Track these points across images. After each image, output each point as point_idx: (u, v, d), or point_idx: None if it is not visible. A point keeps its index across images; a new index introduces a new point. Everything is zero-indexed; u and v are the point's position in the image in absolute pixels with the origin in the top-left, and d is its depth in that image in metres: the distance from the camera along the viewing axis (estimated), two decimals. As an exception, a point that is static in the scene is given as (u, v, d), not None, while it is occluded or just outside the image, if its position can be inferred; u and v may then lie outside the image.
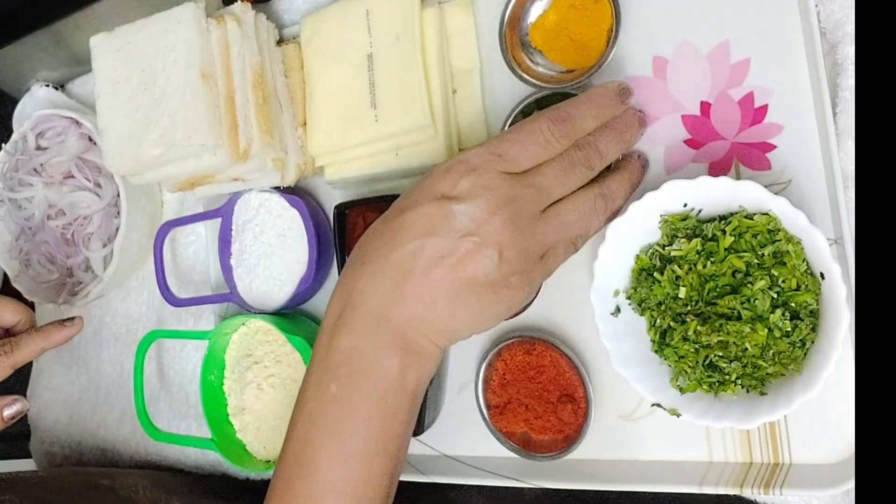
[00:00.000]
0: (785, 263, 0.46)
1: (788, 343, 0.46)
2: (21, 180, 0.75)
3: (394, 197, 0.60)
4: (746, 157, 0.54)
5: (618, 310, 0.52)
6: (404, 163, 0.60)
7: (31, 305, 0.86)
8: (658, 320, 0.50)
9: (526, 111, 0.57)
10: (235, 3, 0.62)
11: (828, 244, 0.44)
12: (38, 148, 0.76)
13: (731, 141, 0.54)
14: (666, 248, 0.49)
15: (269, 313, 0.67)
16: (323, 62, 0.62)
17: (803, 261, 0.46)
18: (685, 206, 0.50)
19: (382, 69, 0.59)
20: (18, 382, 0.84)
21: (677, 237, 0.49)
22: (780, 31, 0.52)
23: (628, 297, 0.52)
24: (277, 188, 0.65)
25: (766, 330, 0.46)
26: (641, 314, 0.52)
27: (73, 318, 0.64)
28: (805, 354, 0.47)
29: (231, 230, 0.68)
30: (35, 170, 0.75)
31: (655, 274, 0.49)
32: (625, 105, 0.50)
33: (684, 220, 0.49)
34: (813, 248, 0.45)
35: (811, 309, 0.47)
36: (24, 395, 0.81)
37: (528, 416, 0.57)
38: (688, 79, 0.55)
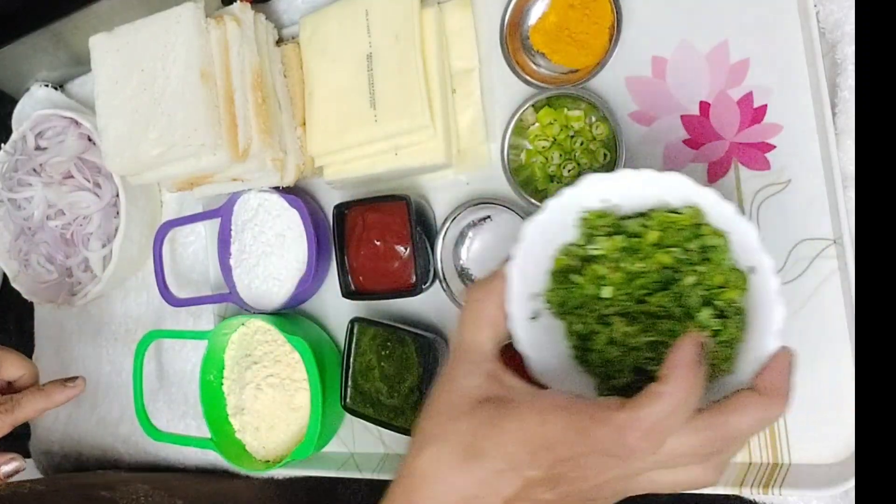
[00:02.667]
0: (710, 259, 0.43)
1: (718, 342, 0.43)
2: (20, 180, 0.75)
3: (393, 197, 0.61)
4: (745, 157, 0.54)
5: (536, 314, 0.47)
6: (403, 163, 0.60)
7: (31, 305, 0.86)
8: (577, 325, 0.46)
9: (537, 105, 0.58)
10: (235, 4, 0.62)
11: (759, 236, 0.41)
12: (38, 148, 0.76)
13: (731, 141, 0.54)
14: (584, 247, 0.45)
15: (268, 313, 0.67)
16: (322, 62, 0.62)
17: (729, 256, 0.43)
18: (605, 201, 0.46)
19: (382, 69, 0.59)
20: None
21: (596, 235, 0.45)
22: (780, 31, 0.52)
23: (547, 301, 0.47)
24: (277, 188, 0.65)
25: (697, 329, 0.42)
26: (560, 318, 0.47)
27: (75, 378, 0.65)
28: (734, 355, 0.44)
29: (230, 230, 0.68)
30: (34, 170, 0.75)
31: (573, 275, 0.45)
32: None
33: (603, 216, 0.45)
34: (742, 242, 0.42)
35: (737, 306, 0.43)
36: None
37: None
38: (687, 78, 0.55)
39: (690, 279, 0.43)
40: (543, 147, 0.58)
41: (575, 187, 0.45)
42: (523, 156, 0.59)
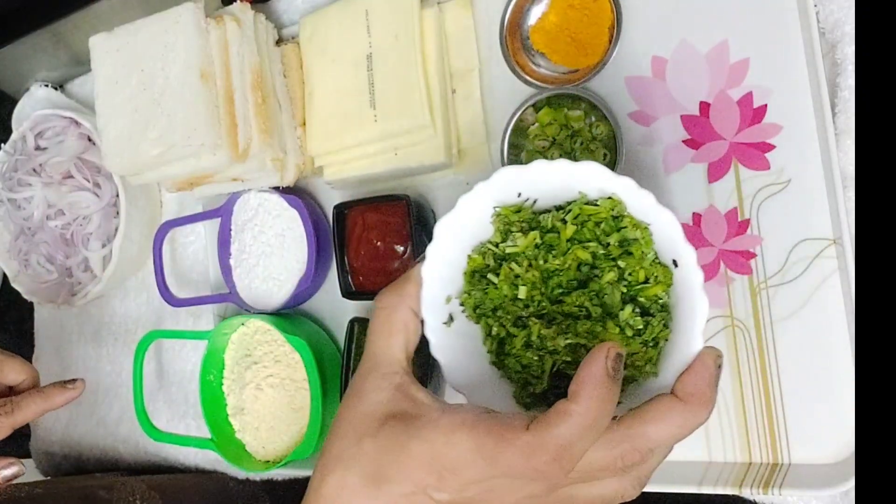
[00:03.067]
0: (632, 253, 0.40)
1: (641, 343, 0.40)
2: (20, 180, 0.75)
3: (393, 197, 0.61)
4: (745, 157, 0.54)
5: (451, 319, 0.44)
6: (403, 163, 0.60)
7: (31, 305, 0.86)
8: (495, 328, 0.43)
9: (537, 105, 0.58)
10: (234, 4, 0.62)
11: (681, 227, 0.38)
12: (38, 148, 0.76)
13: (730, 141, 0.54)
14: (500, 244, 0.43)
15: (268, 313, 0.67)
16: (322, 62, 0.62)
17: (652, 249, 0.41)
18: (519, 196, 0.43)
19: (382, 69, 0.59)
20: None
21: (511, 232, 0.42)
22: (779, 31, 0.52)
23: (462, 304, 0.44)
24: (276, 188, 0.65)
25: (618, 329, 0.40)
26: (477, 322, 0.44)
27: (74, 381, 0.64)
28: (658, 354, 0.41)
29: (230, 230, 0.68)
30: (34, 170, 0.75)
31: (489, 275, 0.43)
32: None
33: (518, 212, 0.43)
34: (664, 234, 0.39)
35: (662, 303, 0.41)
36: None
37: (526, 417, 0.57)
38: (687, 78, 0.55)
39: (610, 276, 0.40)
40: (543, 147, 0.58)
41: (488, 182, 0.41)
42: (523, 156, 0.59)
